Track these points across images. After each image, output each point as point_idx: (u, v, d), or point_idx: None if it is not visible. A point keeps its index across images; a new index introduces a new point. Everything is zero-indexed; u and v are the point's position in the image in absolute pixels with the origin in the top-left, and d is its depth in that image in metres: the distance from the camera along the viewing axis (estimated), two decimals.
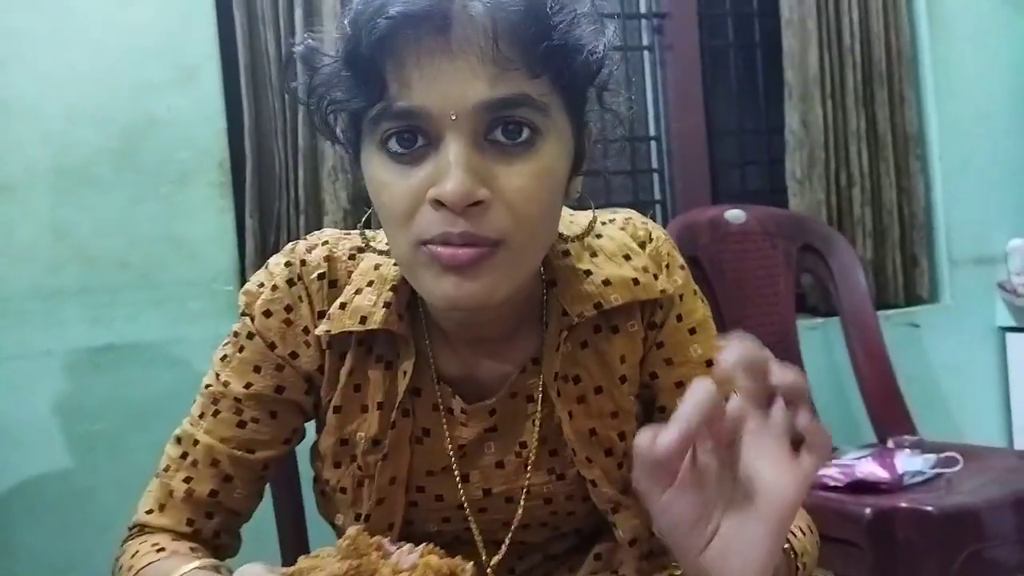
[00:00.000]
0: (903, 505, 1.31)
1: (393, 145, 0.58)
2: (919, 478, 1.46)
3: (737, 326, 1.71)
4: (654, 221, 0.77)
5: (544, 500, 0.73)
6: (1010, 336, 2.12)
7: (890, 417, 1.73)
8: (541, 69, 0.57)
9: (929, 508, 1.29)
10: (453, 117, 0.56)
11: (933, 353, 2.07)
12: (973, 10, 2.12)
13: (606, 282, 0.70)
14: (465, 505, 0.72)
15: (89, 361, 1.56)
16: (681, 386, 0.72)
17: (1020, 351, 2.10)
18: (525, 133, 0.58)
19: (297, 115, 1.63)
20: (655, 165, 2.12)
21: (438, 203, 0.57)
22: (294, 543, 0.92)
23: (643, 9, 2.11)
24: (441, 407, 0.71)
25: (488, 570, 0.73)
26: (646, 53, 2.12)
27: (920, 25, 2.10)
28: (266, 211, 1.66)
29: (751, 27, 2.18)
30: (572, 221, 0.74)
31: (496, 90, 0.56)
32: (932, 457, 1.50)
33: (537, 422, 0.71)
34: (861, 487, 1.41)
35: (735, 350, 0.49)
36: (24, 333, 1.53)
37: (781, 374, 0.50)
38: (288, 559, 0.84)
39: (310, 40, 0.63)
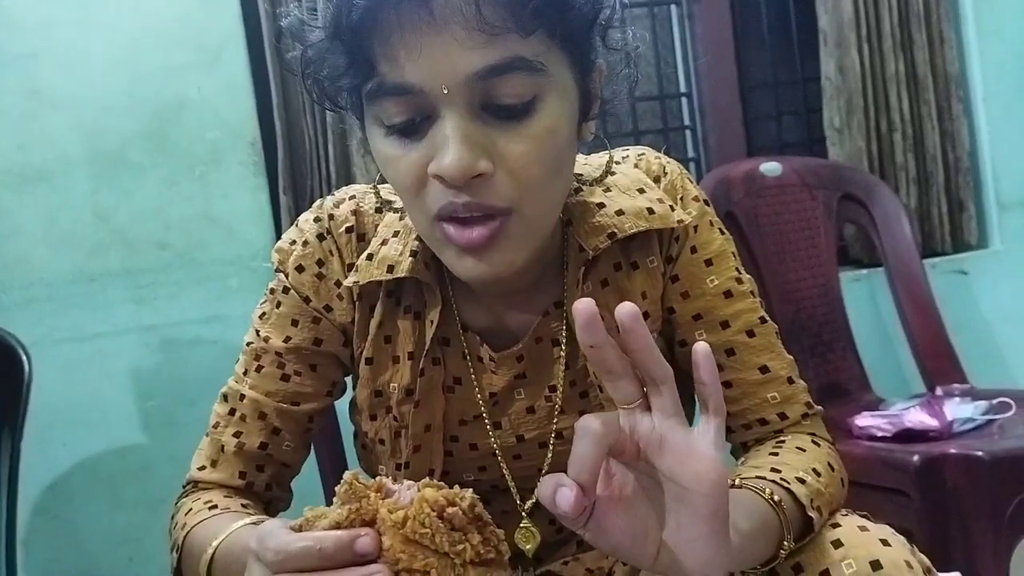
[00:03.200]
0: (952, 451, 1.28)
1: (391, 120, 0.58)
2: (969, 425, 1.42)
3: (778, 281, 1.70)
4: (668, 156, 0.76)
5: None
6: None
7: (940, 367, 1.68)
8: (533, 26, 0.56)
9: (979, 453, 1.25)
10: (445, 91, 0.55)
11: (983, 300, 2.00)
12: None
13: (619, 212, 0.69)
14: (498, 453, 0.73)
15: (137, 341, 1.61)
16: (699, 319, 0.72)
17: None
18: (523, 97, 0.57)
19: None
20: (687, 122, 2.08)
21: (440, 178, 0.57)
22: None
23: None
24: (468, 356, 0.72)
25: (523, 515, 0.74)
26: (673, 7, 2.07)
27: None
28: (299, 188, 1.67)
29: None
30: (587, 163, 0.74)
31: (486, 58, 0.55)
32: (983, 404, 1.46)
33: (563, 364, 0.71)
34: (910, 436, 1.38)
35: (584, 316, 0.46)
36: (71, 317, 1.58)
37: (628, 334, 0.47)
38: None
39: (296, 12, 0.62)
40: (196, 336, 1.61)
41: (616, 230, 0.68)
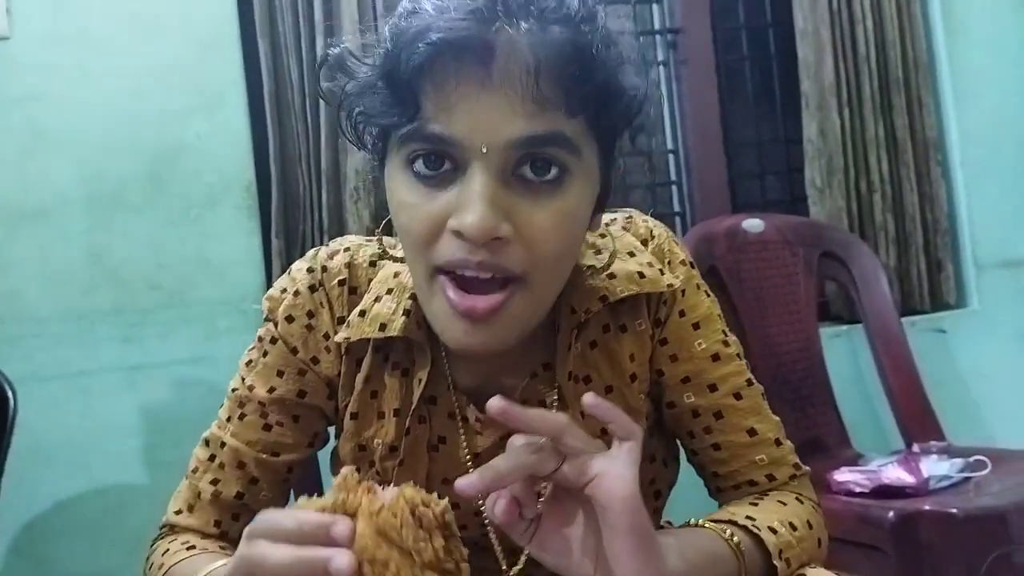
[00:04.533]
0: (927, 508, 1.29)
1: (419, 166, 0.58)
2: (946, 482, 1.43)
3: (759, 336, 1.72)
4: (654, 219, 0.78)
5: None
6: None
7: (918, 424, 1.70)
8: (579, 109, 0.57)
9: (954, 510, 1.26)
10: (484, 150, 0.56)
11: (961, 358, 2.04)
12: (988, 14, 2.11)
13: (611, 276, 0.70)
14: (483, 511, 0.73)
15: (123, 380, 1.61)
16: (687, 381, 0.73)
17: None
18: (554, 171, 0.58)
19: (320, 139, 1.68)
20: (674, 178, 2.13)
21: (459, 234, 0.57)
22: None
23: (657, 25, 2.13)
24: (457, 415, 0.72)
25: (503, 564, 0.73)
26: (661, 68, 2.14)
27: (936, 31, 2.10)
28: (291, 232, 1.70)
29: (766, 39, 2.19)
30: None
31: (531, 127, 0.56)
32: (959, 461, 1.47)
33: None
34: (887, 492, 1.39)
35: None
36: (59, 354, 1.58)
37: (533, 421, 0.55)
38: None
39: (347, 45, 0.63)
40: (182, 377, 1.62)
41: (608, 294, 0.69)
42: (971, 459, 1.48)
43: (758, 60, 2.18)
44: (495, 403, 0.53)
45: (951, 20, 2.08)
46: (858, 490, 1.43)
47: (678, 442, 0.78)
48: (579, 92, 0.56)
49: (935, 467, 1.46)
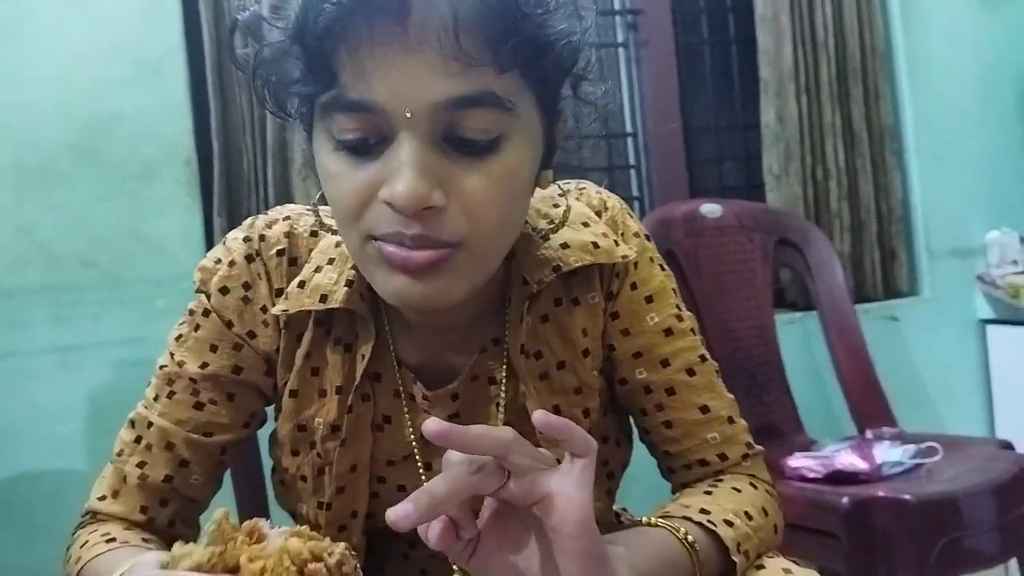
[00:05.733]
0: (880, 494, 1.29)
1: (344, 137, 0.55)
2: (898, 468, 1.44)
3: (715, 322, 1.71)
4: (610, 193, 0.75)
5: None
6: (991, 328, 2.11)
7: (870, 410, 1.71)
8: (509, 64, 0.53)
9: (906, 496, 1.27)
10: (408, 115, 0.52)
11: (913, 346, 2.05)
12: (945, 6, 2.13)
13: (564, 246, 0.67)
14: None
15: (54, 362, 1.53)
16: (639, 356, 0.70)
17: (1001, 343, 2.09)
18: (488, 133, 0.54)
19: (266, 112, 1.61)
20: (632, 161, 2.11)
21: (390, 204, 0.54)
22: None
23: (617, 6, 2.10)
24: (402, 393, 0.68)
25: (454, 564, 0.70)
26: (621, 50, 2.11)
27: (894, 21, 2.10)
28: (235, 210, 1.64)
29: (726, 23, 2.17)
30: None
31: (457, 87, 0.52)
32: (911, 447, 1.48)
33: (502, 405, 0.68)
34: (840, 478, 1.39)
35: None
36: None
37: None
38: None
39: (256, 7, 0.59)
40: (118, 358, 1.54)
41: (561, 263, 0.66)
42: (923, 445, 1.49)
43: (718, 45, 2.17)
44: (431, 426, 0.46)
45: (909, 10, 2.09)
46: (811, 476, 1.43)
47: (631, 421, 0.75)
48: (506, 45, 0.52)
49: (888, 453, 1.46)
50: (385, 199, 0.54)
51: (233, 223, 1.62)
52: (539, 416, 0.49)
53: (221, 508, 0.48)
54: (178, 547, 0.48)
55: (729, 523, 0.62)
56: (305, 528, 0.49)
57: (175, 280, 1.58)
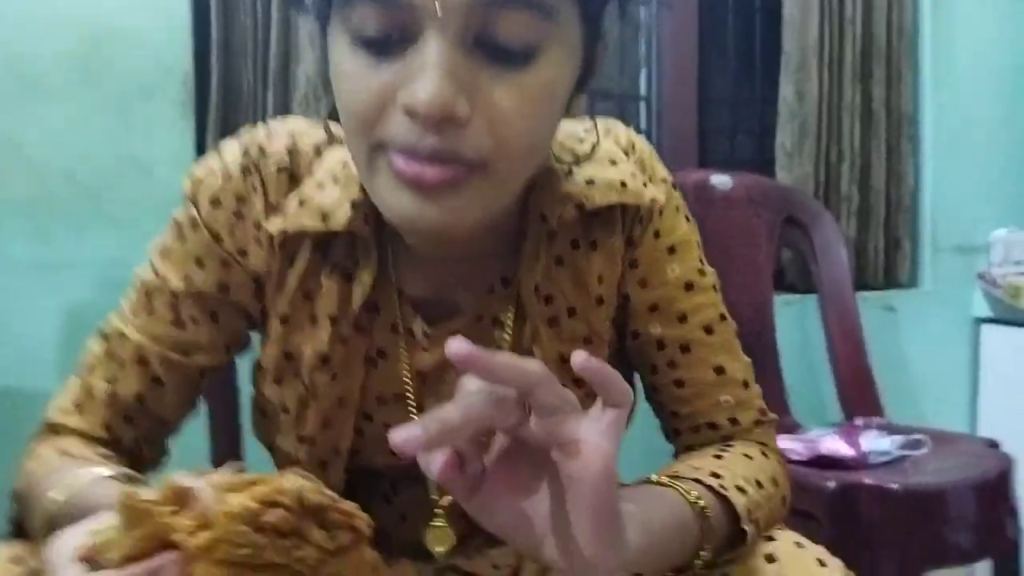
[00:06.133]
0: (867, 481, 1.27)
1: (364, 31, 0.49)
2: (884, 458, 1.42)
3: None
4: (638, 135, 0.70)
5: None
6: (985, 327, 2.09)
7: (859, 398, 1.69)
8: None
9: (893, 486, 1.25)
10: (439, 12, 0.47)
11: (907, 338, 2.03)
12: None
13: (589, 182, 0.62)
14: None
15: (31, 280, 1.48)
16: (655, 310, 0.66)
17: (994, 342, 2.08)
18: (525, 40, 0.49)
19: (270, 34, 1.55)
20: (643, 126, 2.05)
21: (410, 110, 0.48)
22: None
23: None
24: (401, 328, 0.64)
25: (439, 512, 0.66)
26: (643, 9, 2.04)
27: (923, 4, 2.04)
28: (231, 133, 1.55)
29: None
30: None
31: None
32: (899, 438, 1.47)
33: (506, 350, 0.64)
34: (824, 462, 1.37)
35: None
36: None
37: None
38: None
39: None
40: (98, 279, 1.49)
41: (585, 200, 0.62)
42: (911, 437, 1.47)
43: (742, 13, 2.10)
44: (457, 345, 0.41)
45: None
46: (795, 458, 1.41)
47: (636, 378, 0.72)
48: None
49: (875, 442, 1.44)
50: (404, 103, 0.49)
51: None
52: (579, 357, 0.43)
53: (126, 487, 0.41)
54: (95, 532, 0.41)
55: (741, 490, 0.59)
56: (235, 469, 0.42)
57: (163, 203, 1.49)
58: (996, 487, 1.34)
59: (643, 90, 2.05)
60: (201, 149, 1.56)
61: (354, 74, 0.50)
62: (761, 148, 2.09)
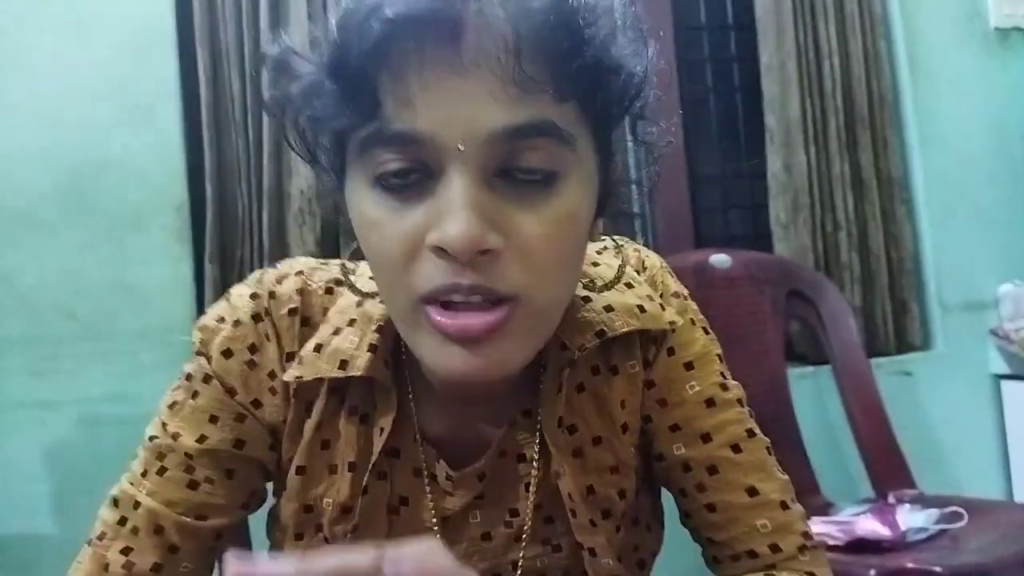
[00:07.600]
0: (909, 566, 1.21)
1: (386, 176, 0.49)
2: (922, 535, 1.37)
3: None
4: (647, 249, 0.69)
5: None
6: (1005, 384, 2.04)
7: (888, 470, 1.64)
8: (569, 92, 0.48)
9: (937, 569, 1.19)
10: (461, 147, 0.46)
11: (927, 402, 1.99)
12: (953, 57, 2.11)
13: (608, 308, 0.61)
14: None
15: (31, 417, 1.45)
16: (677, 430, 0.63)
17: (1015, 398, 2.03)
18: (546, 169, 0.48)
19: (262, 155, 1.56)
20: (636, 209, 2.06)
21: (441, 250, 0.47)
22: None
23: None
24: (424, 472, 0.61)
25: None
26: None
27: (901, 72, 2.08)
28: (228, 257, 1.57)
29: (730, 72, 2.15)
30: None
31: (515, 115, 0.47)
32: (935, 512, 1.41)
33: (533, 485, 0.61)
34: (862, 546, 1.32)
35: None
36: None
37: None
38: None
39: (287, 41, 0.53)
40: (99, 415, 1.46)
41: (606, 328, 0.60)
42: (947, 510, 1.42)
43: (722, 94, 2.14)
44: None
45: (915, 60, 2.07)
46: (832, 543, 1.35)
47: (671, 502, 0.68)
48: (568, 70, 0.47)
49: (911, 519, 1.39)
50: (434, 243, 0.47)
51: (225, 271, 1.55)
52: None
53: None
54: None
55: None
56: None
57: (161, 332, 1.50)
58: None
59: (633, 173, 2.07)
60: (199, 274, 1.55)
61: (381, 222, 0.49)
62: (755, 222, 2.09)
